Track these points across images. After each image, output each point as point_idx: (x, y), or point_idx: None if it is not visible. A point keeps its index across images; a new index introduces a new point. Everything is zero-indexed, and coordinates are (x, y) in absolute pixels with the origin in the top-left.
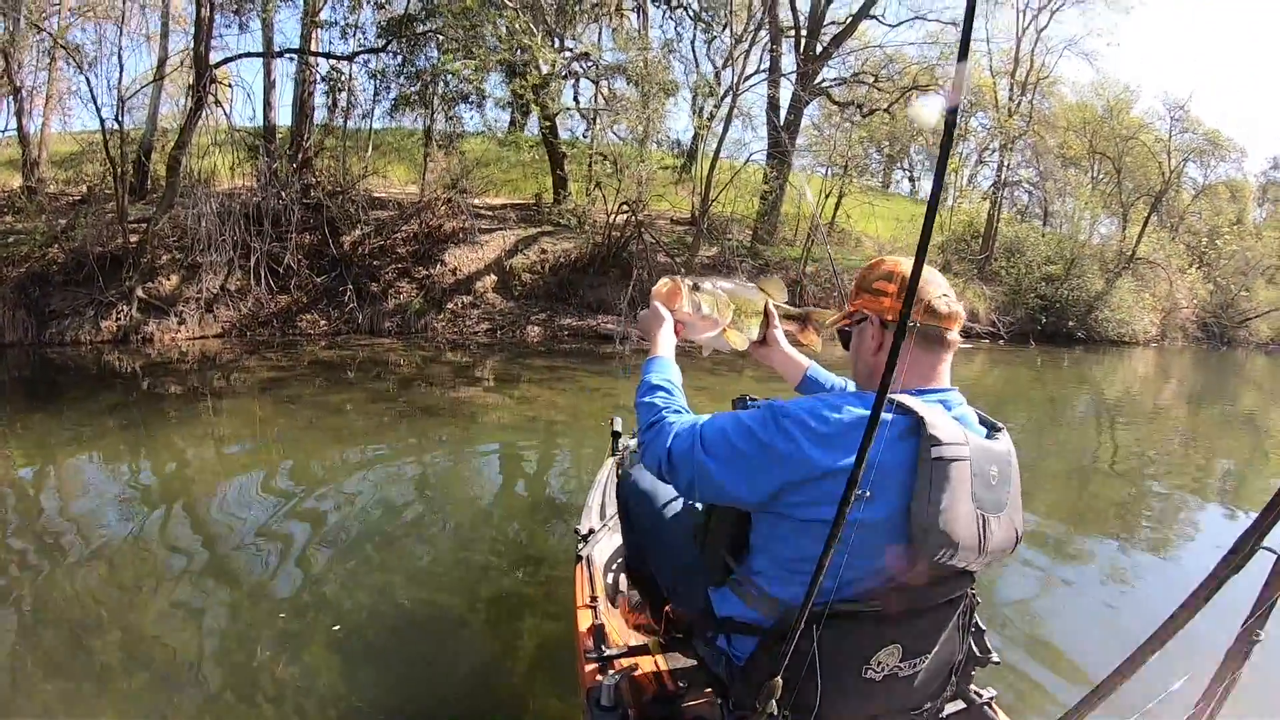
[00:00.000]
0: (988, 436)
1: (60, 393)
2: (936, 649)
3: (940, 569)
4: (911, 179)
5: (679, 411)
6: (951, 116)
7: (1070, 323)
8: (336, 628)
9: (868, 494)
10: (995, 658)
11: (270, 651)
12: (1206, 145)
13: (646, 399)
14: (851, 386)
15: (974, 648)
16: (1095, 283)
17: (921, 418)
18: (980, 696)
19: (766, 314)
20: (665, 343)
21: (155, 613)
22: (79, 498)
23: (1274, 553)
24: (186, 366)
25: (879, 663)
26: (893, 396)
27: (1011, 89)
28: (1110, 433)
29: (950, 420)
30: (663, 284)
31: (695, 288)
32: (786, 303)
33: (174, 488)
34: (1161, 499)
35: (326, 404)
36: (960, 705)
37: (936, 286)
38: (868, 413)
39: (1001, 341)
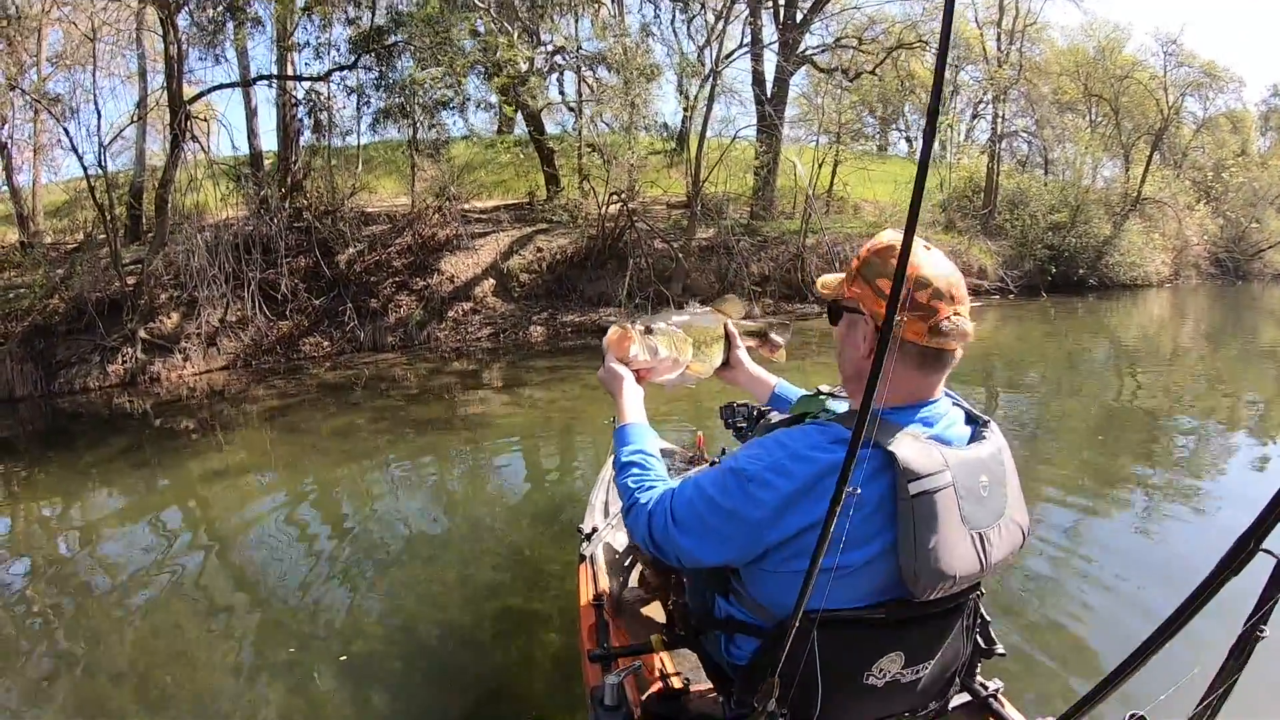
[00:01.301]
0: (974, 437)
1: (74, 440)
2: (940, 653)
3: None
4: (908, 139)
5: (652, 486)
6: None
7: (1080, 270)
8: (344, 658)
9: (856, 491)
10: (1001, 649)
11: (288, 677)
12: (1204, 78)
13: (620, 480)
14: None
15: (979, 641)
16: (1102, 227)
17: (893, 454)
18: (986, 689)
19: (728, 336)
20: (631, 406)
21: (170, 649)
22: (97, 540)
23: (1273, 555)
24: (195, 402)
25: (880, 669)
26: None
27: (999, 38)
28: (1131, 382)
29: (925, 447)
30: (612, 333)
31: (648, 330)
32: (745, 318)
33: (189, 524)
34: (1187, 457)
35: (334, 427)
36: (966, 698)
37: (952, 301)
38: (840, 459)
39: (1011, 296)
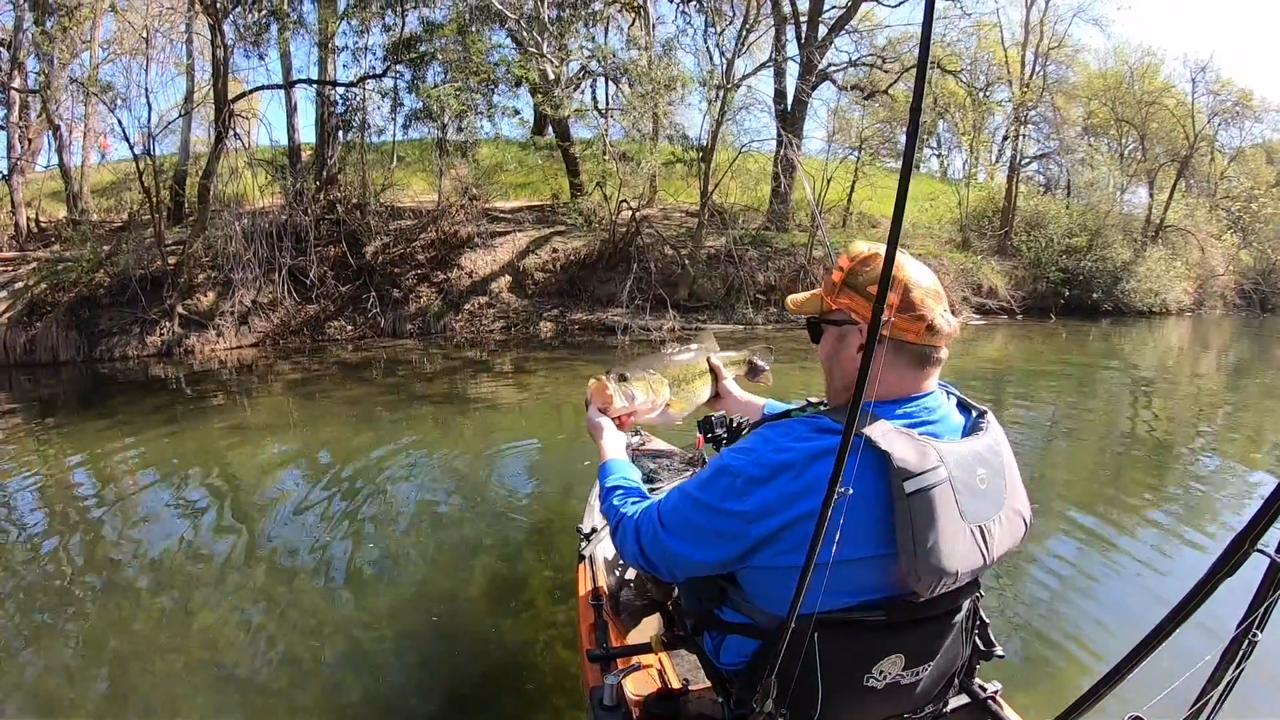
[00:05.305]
0: (971, 428)
1: (111, 399)
2: (940, 655)
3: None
4: (940, 155)
5: (636, 503)
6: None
7: (1095, 295)
8: (338, 644)
9: (848, 491)
10: (1000, 651)
11: (273, 648)
12: (1234, 106)
13: (605, 505)
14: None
15: (979, 643)
16: (1122, 253)
17: (887, 453)
18: (985, 690)
19: (712, 370)
20: (611, 446)
21: (178, 589)
22: (128, 490)
23: (1267, 555)
24: (225, 374)
25: (881, 672)
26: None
27: (1024, 59)
28: (1144, 407)
29: (918, 443)
30: (592, 384)
31: (622, 378)
32: (723, 350)
33: (208, 475)
34: (1194, 477)
35: (350, 399)
36: (965, 699)
37: (938, 300)
38: (823, 445)
39: (1019, 317)
